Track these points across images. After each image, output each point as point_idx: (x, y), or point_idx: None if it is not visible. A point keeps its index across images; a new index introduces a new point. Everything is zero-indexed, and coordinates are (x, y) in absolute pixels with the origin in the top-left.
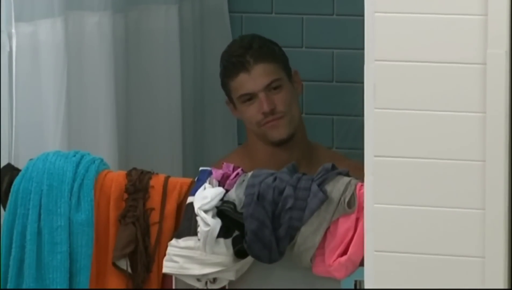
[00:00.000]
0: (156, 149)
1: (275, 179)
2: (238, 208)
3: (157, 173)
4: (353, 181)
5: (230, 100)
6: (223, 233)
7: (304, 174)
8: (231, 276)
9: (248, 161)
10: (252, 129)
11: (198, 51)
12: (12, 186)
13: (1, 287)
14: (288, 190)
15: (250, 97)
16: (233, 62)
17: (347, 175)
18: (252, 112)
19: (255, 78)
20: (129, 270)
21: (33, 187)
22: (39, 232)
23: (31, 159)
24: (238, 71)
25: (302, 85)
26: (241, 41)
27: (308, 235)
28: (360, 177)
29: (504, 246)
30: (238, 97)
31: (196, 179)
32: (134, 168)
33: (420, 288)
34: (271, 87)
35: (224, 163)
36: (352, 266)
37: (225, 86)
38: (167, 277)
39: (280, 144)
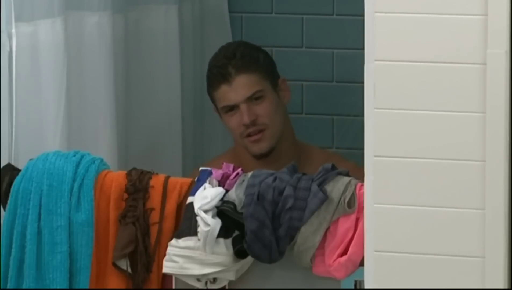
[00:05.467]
0: (156, 149)
1: (275, 179)
2: (238, 208)
3: (157, 173)
4: (353, 181)
5: (216, 108)
6: (223, 233)
7: (304, 174)
8: (231, 276)
9: (238, 163)
10: (235, 139)
11: (198, 51)
12: (12, 186)
13: (1, 287)
14: (288, 190)
15: (231, 108)
16: (215, 73)
17: (347, 175)
18: (234, 123)
19: (236, 89)
20: (129, 270)
21: (33, 187)
22: (39, 232)
23: (31, 159)
24: (219, 82)
25: (289, 93)
26: (226, 50)
27: (308, 235)
28: (358, 177)
29: (504, 246)
30: (221, 108)
31: (196, 179)
32: (134, 168)
33: (420, 288)
34: (253, 98)
35: (224, 163)
36: (352, 266)
37: (210, 95)
38: (167, 277)
39: (260, 157)
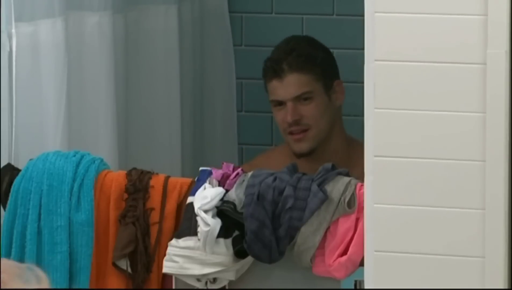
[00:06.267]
0: (156, 149)
1: (275, 179)
2: (238, 208)
3: (157, 173)
4: (353, 181)
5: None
6: (223, 233)
7: (304, 174)
8: (231, 276)
9: (289, 159)
10: (281, 133)
11: (198, 51)
12: (12, 186)
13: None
14: (288, 190)
15: (280, 103)
16: (269, 66)
17: (347, 175)
18: (279, 118)
19: (286, 87)
20: (129, 270)
21: (33, 187)
22: (39, 232)
23: (31, 159)
24: (272, 76)
25: (343, 96)
26: (286, 45)
27: (308, 235)
28: None
29: (504, 246)
30: (270, 100)
31: (196, 179)
32: (134, 168)
33: (420, 288)
34: (301, 98)
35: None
36: (352, 266)
37: (264, 85)
38: (167, 277)
39: (300, 156)
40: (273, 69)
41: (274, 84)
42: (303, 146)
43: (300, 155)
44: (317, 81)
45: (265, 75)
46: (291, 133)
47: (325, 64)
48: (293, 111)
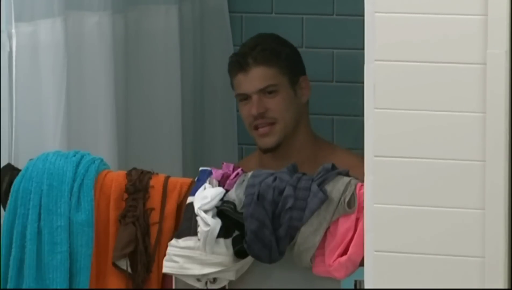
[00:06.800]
0: (156, 149)
1: (275, 179)
2: (238, 208)
3: (157, 173)
4: (353, 181)
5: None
6: (223, 233)
7: (304, 174)
8: (231, 276)
9: (258, 160)
10: (247, 129)
11: (198, 51)
12: (12, 186)
13: (1, 287)
14: (288, 190)
15: (245, 97)
16: (234, 61)
17: (347, 175)
18: (245, 112)
19: (251, 80)
20: (129, 270)
21: (33, 187)
22: (39, 232)
23: (31, 159)
24: (237, 70)
25: (308, 92)
26: (251, 41)
27: (308, 235)
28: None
29: (504, 246)
30: (236, 95)
31: (196, 179)
32: (134, 168)
33: (420, 288)
34: (266, 91)
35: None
36: (352, 266)
37: (230, 81)
38: (167, 277)
39: (266, 151)
40: (239, 63)
41: (239, 78)
42: (268, 141)
43: (266, 150)
44: (282, 75)
45: (230, 70)
46: (256, 127)
47: (290, 58)
48: (258, 104)
